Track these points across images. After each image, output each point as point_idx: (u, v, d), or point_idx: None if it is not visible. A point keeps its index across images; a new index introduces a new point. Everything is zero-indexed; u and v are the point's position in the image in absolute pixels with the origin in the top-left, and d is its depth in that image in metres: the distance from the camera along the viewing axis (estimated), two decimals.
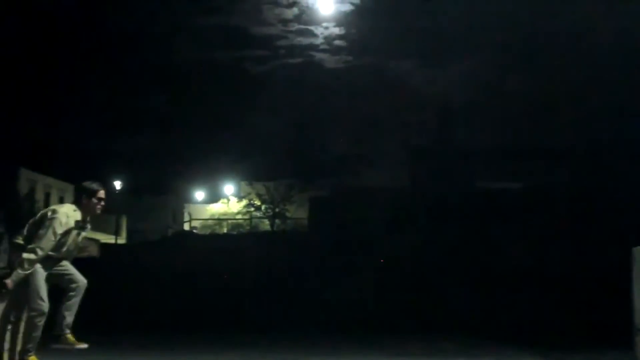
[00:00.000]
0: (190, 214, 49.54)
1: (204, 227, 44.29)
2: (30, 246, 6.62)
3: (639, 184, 20.38)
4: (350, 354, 10.00)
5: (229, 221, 42.78)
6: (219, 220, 44.19)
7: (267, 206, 38.56)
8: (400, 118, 45.04)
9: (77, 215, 6.94)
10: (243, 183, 46.29)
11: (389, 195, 26.85)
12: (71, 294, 6.78)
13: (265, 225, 39.62)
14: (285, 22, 65.80)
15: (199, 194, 59.68)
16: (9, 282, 6.50)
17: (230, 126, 64.31)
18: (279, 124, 49.89)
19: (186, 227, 46.07)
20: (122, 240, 47.18)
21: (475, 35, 45.23)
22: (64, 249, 6.85)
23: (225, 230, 41.62)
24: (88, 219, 7.08)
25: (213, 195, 55.06)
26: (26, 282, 6.61)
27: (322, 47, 63.04)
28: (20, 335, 6.73)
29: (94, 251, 41.99)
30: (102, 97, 63.77)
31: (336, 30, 59.60)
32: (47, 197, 48.48)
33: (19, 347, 6.70)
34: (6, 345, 6.68)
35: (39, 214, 6.99)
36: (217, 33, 64.00)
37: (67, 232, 6.79)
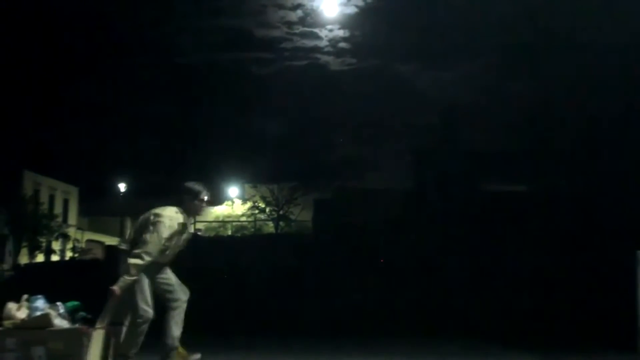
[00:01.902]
0: (194, 217, 49.56)
1: (208, 229, 44.35)
2: (136, 251, 6.47)
3: None
4: (352, 355, 10.01)
5: (233, 223, 42.84)
6: (223, 223, 44.24)
7: (271, 208, 38.62)
8: (405, 120, 45.08)
9: (181, 218, 6.81)
10: (247, 185, 46.34)
11: (393, 197, 26.86)
12: (173, 312, 6.66)
13: (270, 227, 39.67)
14: (289, 24, 65.93)
15: None
16: (116, 288, 6.36)
17: (234, 128, 64.38)
18: (283, 126, 49.92)
19: (190, 229, 46.02)
20: None
21: (479, 37, 45.23)
22: (168, 252, 6.73)
23: (229, 232, 41.68)
24: (190, 221, 6.97)
25: (217, 198, 55.13)
26: (131, 289, 6.51)
27: (326, 49, 63.17)
28: (122, 341, 6.61)
29: (98, 253, 42.05)
30: (107, 100, 63.87)
31: (340, 33, 59.67)
32: (52, 199, 48.60)
33: (120, 351, 6.58)
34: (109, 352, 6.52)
35: (141, 217, 6.86)
36: (221, 35, 64.14)
37: (171, 236, 6.66)
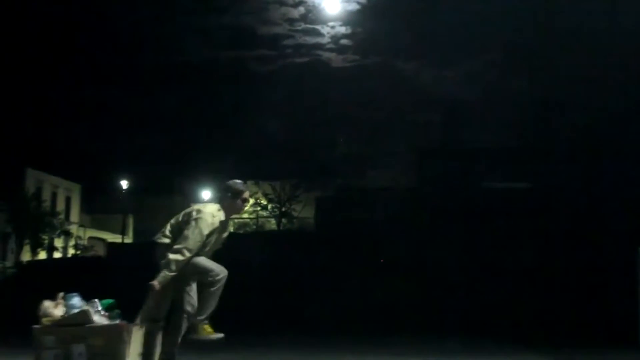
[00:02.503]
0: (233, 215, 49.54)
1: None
2: (176, 246, 6.42)
3: None
4: (353, 353, 10.02)
5: (235, 220, 42.84)
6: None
7: (273, 205, 38.57)
8: (407, 117, 45.06)
9: (221, 215, 6.72)
10: (249, 182, 46.37)
11: (395, 195, 26.84)
12: (208, 289, 6.56)
13: (272, 224, 39.66)
14: (291, 21, 65.89)
15: (206, 194, 59.81)
16: (155, 283, 6.30)
17: (236, 125, 64.39)
18: (285, 123, 49.95)
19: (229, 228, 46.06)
20: (128, 240, 47.32)
21: (482, 34, 45.20)
22: (207, 249, 6.68)
23: (231, 229, 41.52)
24: (230, 219, 6.87)
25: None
26: (176, 283, 6.48)
27: (328, 46, 63.18)
28: (167, 338, 6.56)
29: (100, 250, 42.13)
30: (110, 97, 63.94)
31: (342, 30, 59.68)
32: (54, 196, 48.69)
33: (200, 311, 6.52)
34: (145, 349, 6.45)
35: (181, 213, 6.79)
36: (223, 32, 64.12)
37: (211, 233, 6.60)
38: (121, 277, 20.72)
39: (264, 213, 39.59)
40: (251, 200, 40.77)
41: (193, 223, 6.51)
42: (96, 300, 6.46)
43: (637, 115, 23.62)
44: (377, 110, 50.23)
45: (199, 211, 6.63)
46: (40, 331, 6.10)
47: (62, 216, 46.38)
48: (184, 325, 6.53)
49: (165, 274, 6.35)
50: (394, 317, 16.73)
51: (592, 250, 18.38)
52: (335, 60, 58.42)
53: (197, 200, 58.66)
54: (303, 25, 63.32)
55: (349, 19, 55.53)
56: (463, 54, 50.08)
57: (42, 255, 40.75)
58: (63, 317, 6.16)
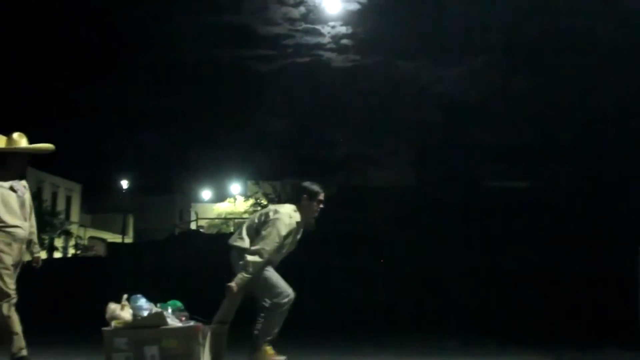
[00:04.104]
0: (197, 213, 49.67)
1: (210, 226, 44.39)
2: (254, 248, 6.40)
3: None
4: (353, 352, 10.02)
5: (236, 220, 42.85)
6: (226, 220, 44.27)
7: None
8: (407, 116, 45.06)
9: (297, 217, 6.72)
10: (250, 182, 46.35)
11: (396, 194, 26.84)
12: (272, 310, 6.53)
13: None
14: (291, 21, 65.83)
15: (206, 193, 59.85)
16: (233, 285, 6.31)
17: (236, 125, 64.41)
18: (286, 123, 49.94)
19: (193, 226, 46.21)
20: (129, 240, 47.32)
21: (482, 33, 45.21)
22: (283, 250, 6.67)
23: (232, 229, 41.67)
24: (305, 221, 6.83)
25: (220, 195, 55.22)
26: (256, 284, 6.47)
27: (328, 46, 63.15)
28: (264, 325, 6.54)
29: (100, 250, 42.14)
30: (110, 96, 63.94)
31: (343, 29, 59.67)
32: (54, 196, 48.71)
33: (262, 334, 6.52)
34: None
35: (258, 214, 6.80)
36: (223, 32, 64.12)
37: (288, 234, 6.58)
38: (124, 276, 20.77)
39: None
40: (251, 200, 40.82)
41: (271, 224, 6.50)
42: (170, 303, 6.40)
43: (637, 114, 23.62)
44: (378, 109, 50.22)
45: (276, 212, 6.62)
46: (111, 333, 6.02)
47: (62, 216, 46.39)
48: (284, 308, 6.50)
49: (243, 275, 6.33)
50: (394, 316, 16.72)
51: (592, 250, 18.39)
52: (336, 60, 58.40)
53: (197, 200, 58.68)
54: (303, 25, 63.26)
55: (350, 19, 55.56)
56: (464, 53, 50.11)
57: (43, 255, 40.73)
58: (136, 319, 6.07)
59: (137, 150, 67.12)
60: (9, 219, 6.77)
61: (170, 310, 6.26)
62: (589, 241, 18.75)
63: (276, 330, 6.57)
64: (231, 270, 6.53)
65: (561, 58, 30.61)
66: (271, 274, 6.54)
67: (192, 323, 6.20)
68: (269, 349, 6.56)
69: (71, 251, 44.54)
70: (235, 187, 50.33)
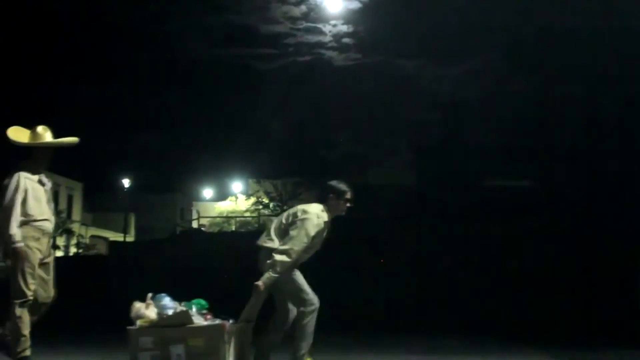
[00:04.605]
0: (198, 212, 49.73)
1: (212, 224, 44.41)
2: (282, 247, 6.35)
3: None
4: (352, 352, 10.06)
5: (237, 219, 42.91)
6: (227, 218, 44.32)
7: (275, 204, 38.61)
8: (408, 116, 45.05)
9: (325, 216, 6.65)
10: (251, 181, 46.41)
11: (396, 194, 26.89)
12: (303, 319, 6.48)
13: None
14: (293, 19, 65.71)
15: (207, 192, 59.88)
16: (260, 284, 6.26)
17: (238, 124, 64.41)
18: (287, 121, 49.93)
19: (194, 224, 46.25)
20: (130, 238, 47.34)
21: (483, 33, 45.18)
22: (311, 250, 6.63)
23: (233, 228, 41.75)
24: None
25: (221, 193, 55.27)
26: (286, 289, 6.46)
27: (330, 45, 63.07)
28: (296, 340, 6.49)
29: (102, 249, 42.18)
30: (111, 95, 63.97)
31: (344, 28, 59.52)
32: (56, 195, 48.66)
33: (295, 350, 6.47)
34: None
35: (285, 213, 6.75)
36: (224, 31, 64.04)
37: (316, 234, 6.52)
38: (126, 275, 20.83)
39: (266, 211, 39.64)
40: (253, 199, 40.89)
41: (299, 223, 6.45)
42: (194, 301, 6.36)
43: (637, 113, 23.64)
44: (378, 108, 50.21)
45: (304, 211, 6.56)
46: (137, 332, 6.00)
47: (64, 215, 46.43)
48: (311, 316, 6.43)
49: (270, 275, 6.27)
50: (394, 316, 16.78)
51: (592, 249, 18.43)
52: (337, 58, 58.34)
53: (198, 199, 58.73)
54: (305, 24, 63.16)
55: (351, 18, 55.46)
56: (464, 52, 50.05)
57: None
58: (161, 318, 6.06)
59: (138, 149, 67.11)
60: (38, 213, 6.80)
61: (194, 309, 6.26)
62: (588, 241, 18.79)
63: (310, 341, 6.49)
64: (259, 270, 6.49)
65: (561, 58, 30.61)
66: (301, 280, 6.52)
67: (217, 321, 6.18)
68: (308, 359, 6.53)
69: (73, 250, 44.60)
70: (237, 185, 50.35)
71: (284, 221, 6.63)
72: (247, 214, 41.86)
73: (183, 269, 20.59)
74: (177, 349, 5.90)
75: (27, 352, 6.60)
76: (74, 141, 7.24)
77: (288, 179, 39.95)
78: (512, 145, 27.62)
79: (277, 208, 38.48)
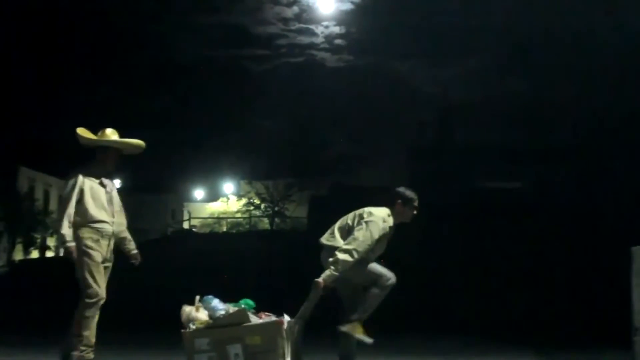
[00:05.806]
0: (189, 213, 49.58)
1: (203, 225, 44.34)
2: (346, 247, 6.38)
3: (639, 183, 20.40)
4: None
5: (229, 220, 42.84)
6: (219, 219, 44.24)
7: (266, 205, 38.56)
8: (400, 117, 45.09)
9: (391, 221, 6.71)
10: (242, 182, 46.36)
11: (389, 194, 26.86)
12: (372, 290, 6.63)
13: (265, 224, 39.66)
14: (285, 20, 65.72)
15: (199, 193, 59.68)
16: (320, 280, 6.30)
17: (230, 125, 64.33)
18: (279, 122, 49.89)
19: (186, 225, 46.13)
20: None
21: (477, 34, 45.25)
22: (373, 253, 6.66)
23: (224, 229, 41.69)
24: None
25: (212, 194, 55.10)
26: (358, 276, 6.53)
27: (322, 46, 63.12)
28: (365, 304, 6.61)
29: None
30: (102, 96, 63.74)
31: (336, 29, 59.67)
32: (47, 195, 48.49)
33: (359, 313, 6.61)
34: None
35: (351, 214, 6.77)
36: (217, 32, 64.03)
37: (380, 237, 6.57)
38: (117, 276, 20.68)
39: (257, 212, 39.57)
40: (244, 200, 40.83)
41: (364, 225, 6.49)
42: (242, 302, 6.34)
43: (632, 114, 23.68)
44: (371, 109, 50.23)
45: (370, 214, 6.59)
46: (192, 335, 5.96)
47: (54, 215, 46.20)
48: (386, 291, 6.64)
49: (331, 272, 6.31)
50: (393, 316, 16.69)
51: (588, 250, 18.42)
52: (330, 60, 58.38)
53: (190, 199, 58.56)
54: (297, 25, 63.22)
55: (343, 19, 55.53)
56: (458, 53, 50.16)
57: (35, 254, 40.62)
58: (218, 318, 6.02)
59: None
60: (97, 214, 6.71)
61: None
62: (583, 241, 18.78)
63: (372, 311, 6.65)
64: (321, 269, 6.49)
65: (557, 58, 30.68)
66: (372, 265, 6.62)
67: (273, 318, 6.17)
68: (360, 326, 6.65)
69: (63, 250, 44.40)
70: (228, 186, 50.28)
71: (349, 222, 6.68)
72: (239, 215, 41.79)
73: (174, 269, 20.48)
74: (235, 349, 5.88)
75: (90, 355, 6.54)
76: (140, 144, 7.14)
77: (280, 179, 39.91)
78: (506, 146, 27.66)
79: (269, 209, 38.42)
